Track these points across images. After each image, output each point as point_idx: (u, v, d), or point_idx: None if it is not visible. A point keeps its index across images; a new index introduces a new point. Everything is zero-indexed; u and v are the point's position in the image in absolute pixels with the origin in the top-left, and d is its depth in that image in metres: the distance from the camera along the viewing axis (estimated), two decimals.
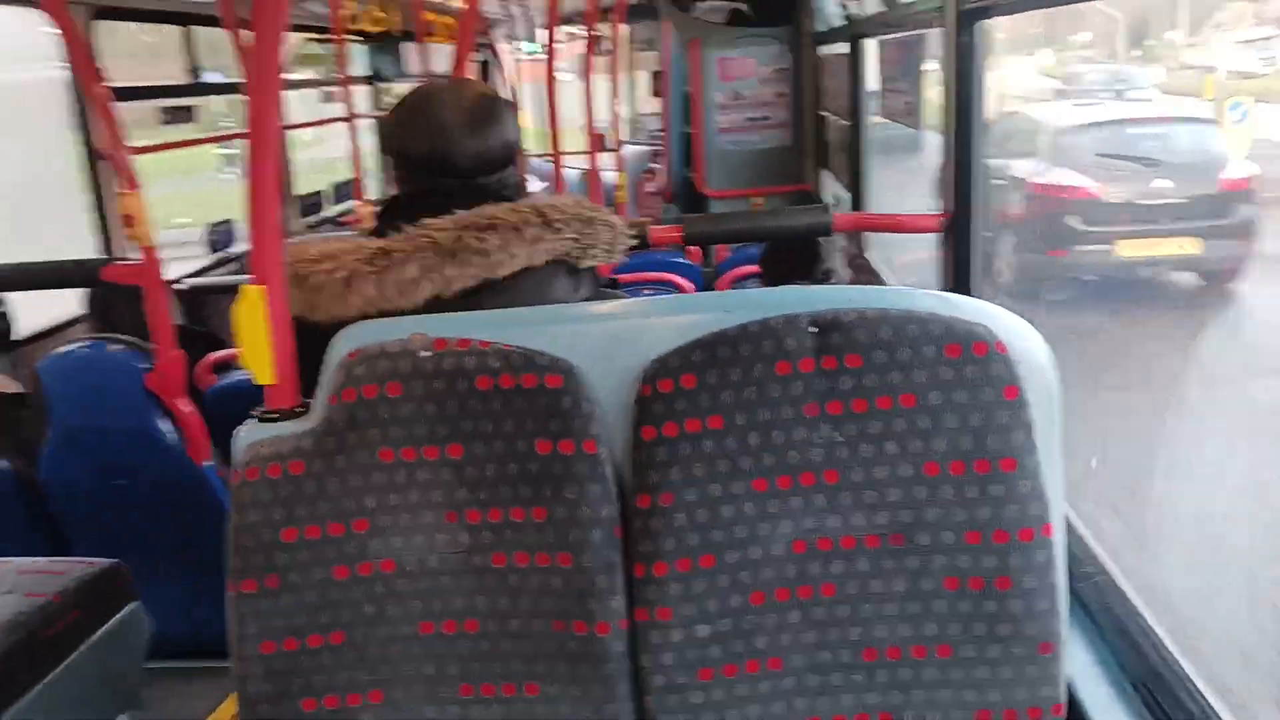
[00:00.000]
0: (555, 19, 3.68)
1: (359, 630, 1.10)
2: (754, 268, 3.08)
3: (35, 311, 3.05)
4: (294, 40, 5.15)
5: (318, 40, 5.47)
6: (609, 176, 4.85)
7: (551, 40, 3.71)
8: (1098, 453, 4.02)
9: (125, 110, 2.72)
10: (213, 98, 4.47)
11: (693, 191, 5.29)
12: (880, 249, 3.69)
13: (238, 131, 5.48)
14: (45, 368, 2.18)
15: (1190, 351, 5.62)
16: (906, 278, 3.65)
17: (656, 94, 7.03)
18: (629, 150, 6.73)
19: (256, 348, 1.14)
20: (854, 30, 3.49)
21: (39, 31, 3.07)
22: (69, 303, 3.16)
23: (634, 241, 1.45)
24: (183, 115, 4.06)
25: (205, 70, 4.15)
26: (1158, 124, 7.44)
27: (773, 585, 1.07)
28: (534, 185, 5.17)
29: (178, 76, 4.10)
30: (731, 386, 1.06)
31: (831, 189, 4.42)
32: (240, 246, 4.35)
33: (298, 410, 1.15)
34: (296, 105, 5.44)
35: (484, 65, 7.02)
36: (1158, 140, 6.98)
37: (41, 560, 1.79)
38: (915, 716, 1.09)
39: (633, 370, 1.09)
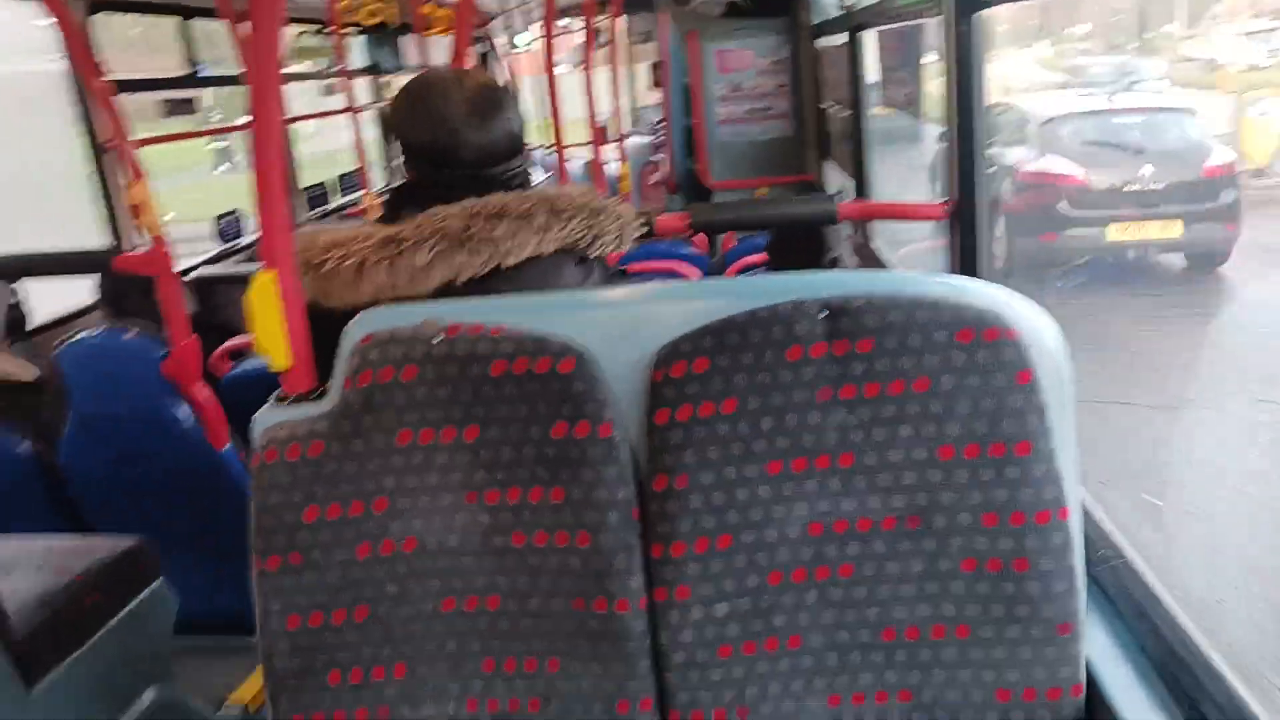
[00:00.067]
0: (553, 11, 3.68)
1: (382, 606, 1.12)
2: (760, 257, 3.09)
3: (46, 300, 3.07)
4: (291, 33, 5.15)
5: (315, 33, 5.47)
6: (612, 168, 4.86)
7: (550, 33, 3.72)
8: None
9: (124, 102, 2.73)
10: (203, 91, 4.47)
11: (696, 183, 5.29)
12: (881, 241, 3.70)
13: (238, 124, 5.50)
14: (63, 355, 2.20)
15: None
16: (908, 270, 3.67)
17: (657, 85, 7.03)
18: (631, 142, 6.74)
19: (271, 333, 1.16)
20: (852, 21, 3.50)
21: (33, 25, 3.08)
22: (79, 292, 3.18)
23: (642, 231, 1.46)
24: (184, 108, 4.06)
25: (204, 64, 4.15)
26: (1142, 113, 7.68)
27: (789, 566, 1.09)
28: (537, 177, 5.18)
29: (170, 69, 4.11)
30: (744, 370, 1.07)
31: (835, 179, 4.43)
32: (248, 237, 4.36)
33: (314, 394, 1.17)
34: (296, 99, 5.44)
35: (483, 57, 7.02)
36: (1143, 129, 7.24)
37: (68, 538, 1.81)
38: (934, 696, 1.10)
39: (643, 355, 1.10)
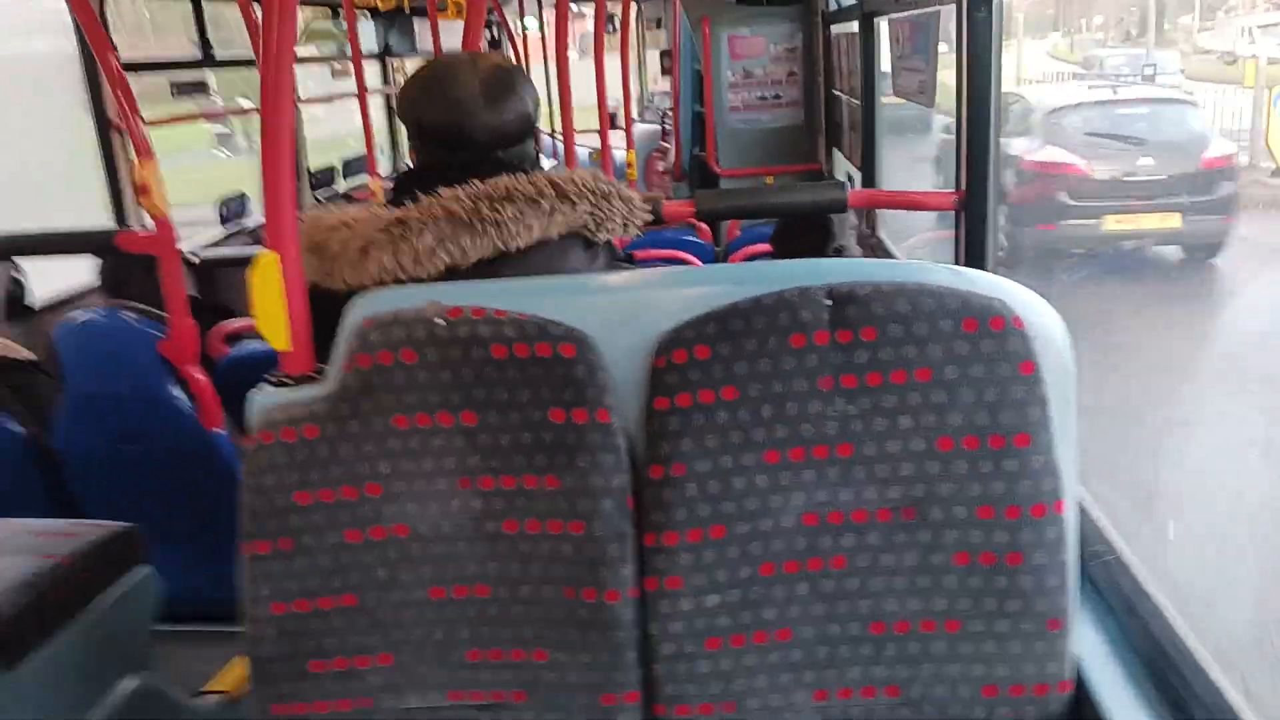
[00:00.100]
0: None
1: (370, 594, 1.11)
2: (764, 246, 3.07)
3: (45, 279, 3.07)
4: (303, 16, 5.13)
5: (328, 16, 5.45)
6: (619, 155, 4.84)
7: (563, 17, 3.69)
8: None
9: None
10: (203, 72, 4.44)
11: (703, 170, 5.27)
12: (884, 233, 3.69)
13: (249, 106, 5.49)
14: (60, 334, 2.19)
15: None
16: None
17: (665, 72, 7.00)
18: (639, 129, 6.71)
19: (271, 313, 1.15)
20: (866, 8, 3.47)
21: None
22: (80, 273, 3.17)
23: (649, 216, 1.45)
24: (195, 89, 4.05)
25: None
26: (1143, 104, 7.78)
27: (782, 557, 1.08)
28: (544, 163, 5.15)
29: (175, 52, 4.11)
30: (746, 358, 1.06)
31: (843, 168, 4.41)
32: (253, 220, 4.35)
33: (312, 375, 1.16)
34: (304, 82, 5.42)
35: (493, 41, 6.99)
36: (1143, 120, 7.33)
37: (55, 522, 1.81)
38: (921, 691, 1.10)
39: (645, 341, 1.09)
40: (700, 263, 3.30)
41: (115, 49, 2.30)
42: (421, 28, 6.23)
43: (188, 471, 2.21)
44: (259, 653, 1.13)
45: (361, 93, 4.53)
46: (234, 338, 2.62)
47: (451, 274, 1.27)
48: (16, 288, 2.69)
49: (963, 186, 1.88)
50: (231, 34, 4.32)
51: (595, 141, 4.48)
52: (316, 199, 5.03)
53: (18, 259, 2.79)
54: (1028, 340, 1.04)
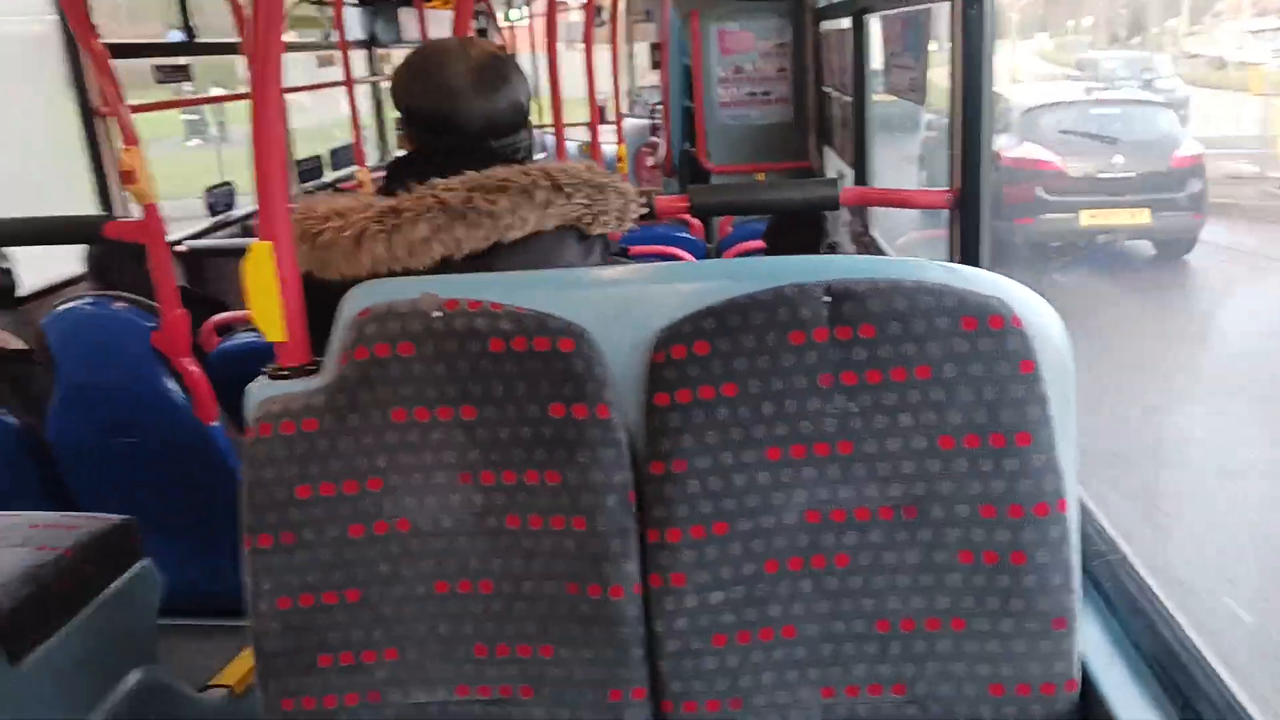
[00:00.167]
0: None
1: (374, 588, 1.10)
2: (757, 243, 3.07)
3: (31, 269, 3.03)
4: (288, 2, 5.08)
5: (314, 3, 5.40)
6: (609, 150, 4.83)
7: (553, 8, 3.67)
8: None
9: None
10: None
11: (693, 165, 5.26)
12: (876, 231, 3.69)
13: (237, 93, 5.43)
14: (50, 324, 2.17)
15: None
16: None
17: (655, 66, 6.98)
18: (628, 124, 6.69)
19: (266, 305, 1.14)
20: (858, 5, 3.46)
21: None
22: (68, 262, 3.14)
23: (644, 210, 1.44)
24: (178, 74, 4.01)
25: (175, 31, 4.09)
26: (1117, 105, 8.26)
27: (786, 554, 1.08)
28: (535, 157, 5.13)
29: (150, 36, 4.05)
30: (745, 354, 1.05)
31: (834, 165, 4.41)
32: (239, 210, 4.32)
33: (309, 368, 1.15)
34: (290, 69, 5.37)
35: (482, 31, 6.96)
36: (1117, 120, 7.71)
37: (53, 515, 1.79)
38: (927, 689, 1.10)
39: (642, 336, 1.09)
40: (693, 259, 3.30)
41: (97, 33, 2.26)
42: (407, 17, 6.19)
43: (182, 464, 2.20)
44: (265, 647, 1.12)
45: (349, 81, 4.49)
46: (225, 329, 2.60)
47: (445, 265, 1.26)
48: (5, 277, 2.65)
49: (956, 184, 1.88)
50: (207, 19, 4.28)
51: (584, 135, 4.47)
52: (304, 189, 4.99)
53: (5, 249, 2.75)
54: (1026, 339, 1.04)
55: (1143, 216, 7.12)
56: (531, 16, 7.94)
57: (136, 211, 2.21)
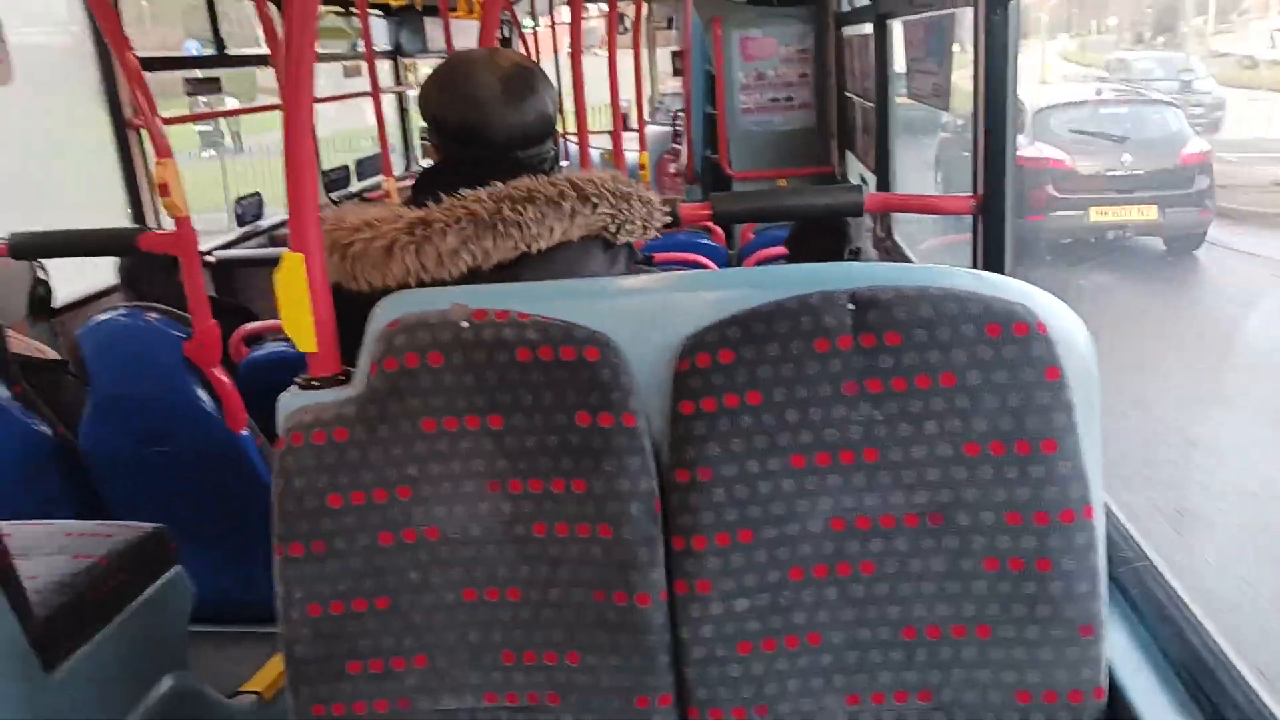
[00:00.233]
0: None
1: (404, 596, 1.12)
2: (779, 250, 3.07)
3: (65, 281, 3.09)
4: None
5: (340, 13, 5.47)
6: (631, 157, 4.84)
7: (577, 19, 3.69)
8: None
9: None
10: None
11: (716, 172, 5.27)
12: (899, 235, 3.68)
13: (266, 104, 5.50)
14: (84, 335, 2.20)
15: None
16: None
17: (677, 73, 7.00)
18: (650, 130, 6.71)
19: (298, 315, 1.15)
20: (880, 10, 3.46)
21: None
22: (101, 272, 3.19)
23: (668, 218, 1.45)
24: (208, 86, 4.07)
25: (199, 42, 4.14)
26: (1126, 105, 8.42)
27: (811, 562, 1.08)
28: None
29: (169, 42, 4.11)
30: (769, 362, 1.06)
31: (855, 171, 4.40)
32: (268, 220, 4.37)
33: (339, 378, 1.16)
34: (316, 80, 5.42)
35: (505, 40, 7.00)
36: (1126, 119, 7.90)
37: (87, 524, 1.82)
38: (953, 696, 1.10)
39: (667, 344, 1.09)
40: (715, 266, 3.30)
41: (131, 46, 2.30)
42: (433, 27, 6.24)
43: (214, 473, 2.22)
44: (296, 654, 1.13)
45: (375, 92, 4.53)
46: (254, 339, 2.64)
47: (473, 275, 1.28)
48: (42, 288, 2.70)
49: (980, 190, 1.88)
50: (230, 28, 4.33)
51: (607, 143, 4.48)
52: (330, 199, 5.04)
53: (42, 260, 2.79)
54: (1051, 346, 1.04)
55: (1150, 213, 7.25)
56: (553, 25, 7.99)
57: (167, 223, 2.25)
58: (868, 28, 3.68)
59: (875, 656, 1.10)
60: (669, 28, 8.39)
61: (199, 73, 4.24)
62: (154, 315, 2.19)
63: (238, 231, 4.22)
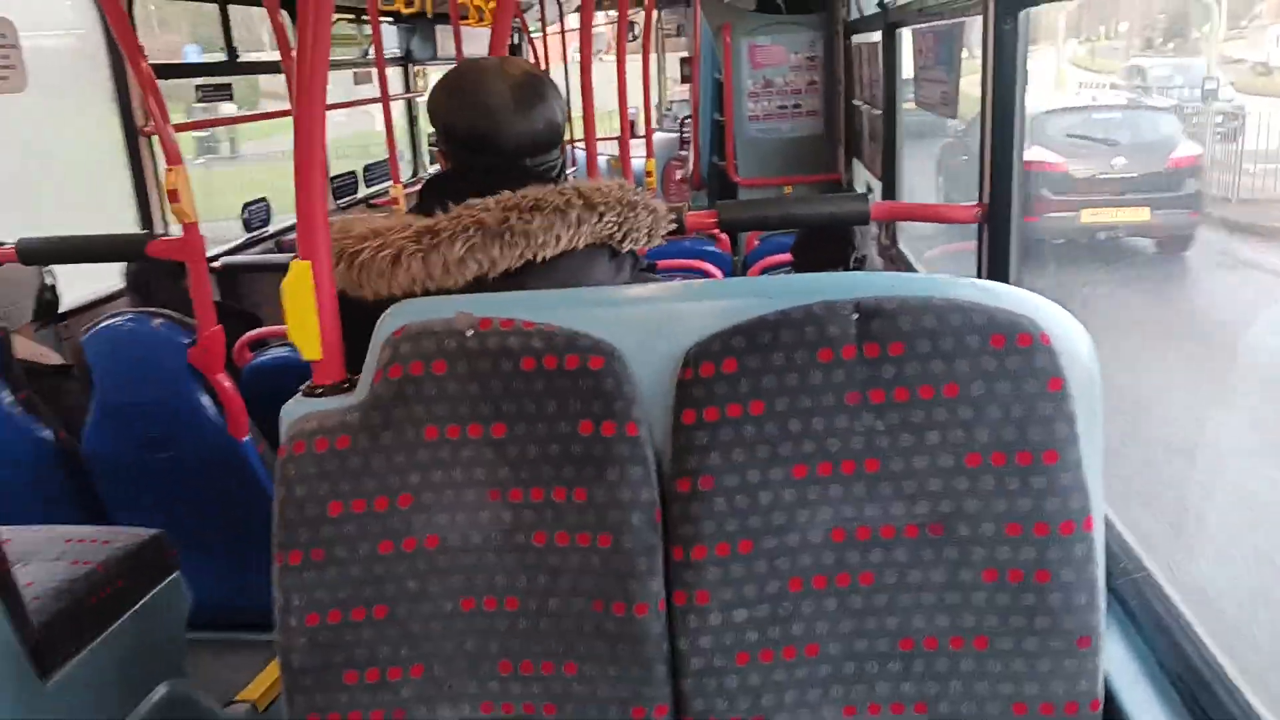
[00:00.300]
0: (592, 1, 3.67)
1: (402, 605, 1.11)
2: (784, 256, 3.07)
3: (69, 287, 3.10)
4: None
5: (350, 20, 5.49)
6: (638, 164, 4.85)
7: (587, 27, 3.70)
8: None
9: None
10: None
11: (722, 179, 5.27)
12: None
13: (275, 110, 5.53)
14: (89, 341, 2.21)
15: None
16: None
17: (685, 80, 7.01)
18: (657, 137, 6.73)
19: (304, 323, 1.16)
20: (889, 18, 3.46)
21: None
22: (107, 278, 3.21)
23: (674, 227, 1.45)
24: (220, 93, 4.09)
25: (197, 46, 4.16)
26: (1118, 110, 8.77)
27: (810, 572, 1.08)
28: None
29: (173, 45, 4.13)
30: (773, 372, 1.05)
31: (862, 178, 4.40)
32: (273, 226, 4.39)
33: (344, 386, 1.17)
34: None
35: (515, 48, 7.02)
36: (1118, 124, 8.18)
37: (87, 529, 1.82)
38: (950, 708, 1.09)
39: (672, 353, 1.09)
40: (720, 273, 3.30)
41: (144, 53, 2.31)
42: (443, 35, 6.27)
43: (216, 480, 2.22)
44: (292, 662, 1.13)
45: (385, 99, 4.55)
46: (258, 344, 2.65)
47: (479, 283, 1.28)
48: (49, 293, 2.72)
49: (985, 199, 1.87)
50: (239, 34, 4.34)
51: (614, 149, 4.49)
52: (338, 206, 5.06)
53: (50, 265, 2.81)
54: (1055, 356, 1.04)
55: (1142, 214, 7.46)
56: (562, 31, 8.02)
57: (174, 229, 2.26)
58: (877, 36, 3.69)
59: (873, 668, 1.09)
60: (678, 35, 8.42)
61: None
62: (158, 321, 2.20)
63: (244, 237, 4.25)
